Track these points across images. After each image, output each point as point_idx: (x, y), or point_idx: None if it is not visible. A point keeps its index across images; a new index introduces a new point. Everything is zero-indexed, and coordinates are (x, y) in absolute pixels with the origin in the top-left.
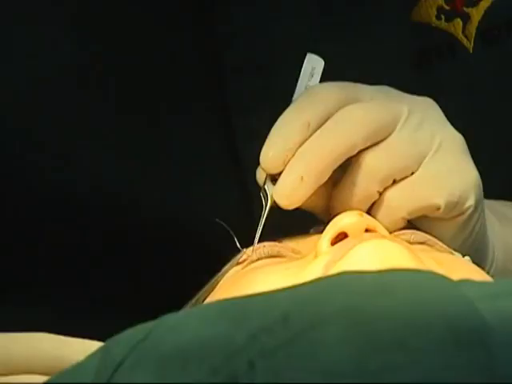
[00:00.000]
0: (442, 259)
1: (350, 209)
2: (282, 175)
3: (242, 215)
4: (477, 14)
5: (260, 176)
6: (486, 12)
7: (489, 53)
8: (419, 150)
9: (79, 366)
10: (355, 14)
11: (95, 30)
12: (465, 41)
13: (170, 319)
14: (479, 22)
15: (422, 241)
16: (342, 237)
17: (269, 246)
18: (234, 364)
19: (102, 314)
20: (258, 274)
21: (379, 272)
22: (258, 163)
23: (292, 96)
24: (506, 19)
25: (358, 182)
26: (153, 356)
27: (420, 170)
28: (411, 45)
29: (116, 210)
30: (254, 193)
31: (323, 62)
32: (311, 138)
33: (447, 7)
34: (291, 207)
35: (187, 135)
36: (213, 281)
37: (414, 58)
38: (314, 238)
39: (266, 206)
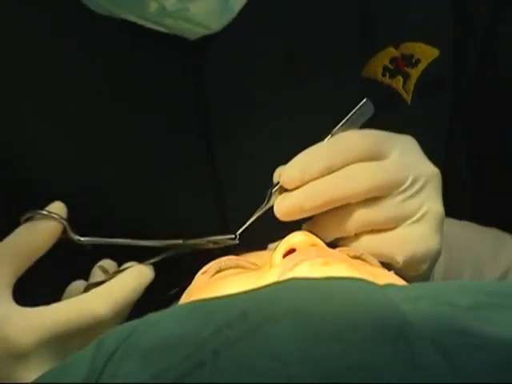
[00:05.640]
0: (373, 271)
1: (325, 237)
2: (290, 197)
3: (219, 230)
4: (415, 73)
5: (275, 179)
6: (422, 72)
7: (424, 105)
8: (405, 215)
9: (77, 356)
10: (316, 69)
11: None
12: (404, 94)
13: (150, 318)
14: (417, 80)
15: (357, 255)
16: (292, 251)
17: (230, 260)
18: (201, 353)
19: None
20: (223, 282)
21: (321, 279)
22: (236, 184)
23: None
24: (438, 78)
25: (345, 223)
26: (137, 348)
27: (398, 229)
28: (361, 95)
29: (107, 221)
30: (231, 210)
31: (372, 111)
32: (323, 179)
33: (391, 66)
34: (282, 220)
35: (174, 160)
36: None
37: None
38: (268, 253)
39: (265, 205)
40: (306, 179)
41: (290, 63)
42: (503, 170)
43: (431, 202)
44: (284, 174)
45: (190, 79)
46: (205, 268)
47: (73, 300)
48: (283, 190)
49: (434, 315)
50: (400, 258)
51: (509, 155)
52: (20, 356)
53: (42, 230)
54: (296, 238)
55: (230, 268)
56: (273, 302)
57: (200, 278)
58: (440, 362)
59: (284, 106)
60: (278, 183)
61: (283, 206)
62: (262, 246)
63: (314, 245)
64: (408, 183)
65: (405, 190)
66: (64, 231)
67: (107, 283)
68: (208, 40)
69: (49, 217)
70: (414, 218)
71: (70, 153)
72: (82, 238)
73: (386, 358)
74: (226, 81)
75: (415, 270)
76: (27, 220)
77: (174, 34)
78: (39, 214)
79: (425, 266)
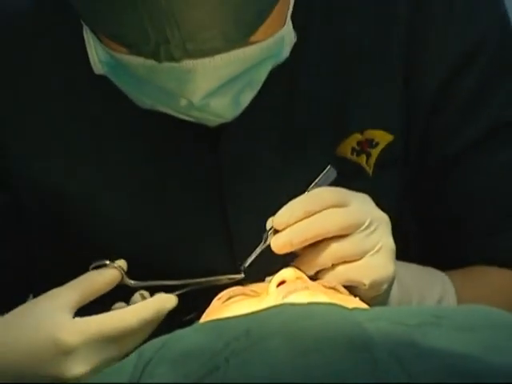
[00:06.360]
0: (343, 297)
1: (309, 270)
2: (281, 236)
3: (226, 267)
4: (375, 152)
5: (268, 224)
6: (380, 151)
7: (382, 176)
8: (367, 249)
9: (123, 362)
10: (304, 148)
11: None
12: (367, 168)
13: (178, 334)
14: (376, 158)
15: (331, 286)
16: (283, 283)
17: (237, 289)
18: (216, 360)
19: None
20: (233, 306)
21: (304, 304)
22: (244, 231)
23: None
24: (393, 157)
25: (323, 258)
26: (168, 356)
27: (362, 260)
28: (335, 169)
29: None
30: (239, 251)
31: (335, 175)
32: (305, 221)
33: (357, 148)
34: (277, 253)
35: (196, 218)
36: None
37: (335, 179)
38: (265, 284)
39: (263, 243)
40: (292, 222)
41: (284, 145)
42: (437, 227)
43: (385, 239)
44: (276, 219)
45: (209, 154)
46: (219, 295)
47: (113, 312)
48: (275, 231)
49: (390, 331)
50: (366, 281)
51: (439, 217)
52: (67, 353)
53: (107, 275)
54: (286, 273)
55: (237, 295)
56: (269, 322)
57: (215, 302)
58: (396, 367)
59: (281, 175)
60: (271, 228)
61: (277, 243)
62: (261, 278)
63: (299, 278)
64: (367, 224)
65: (365, 229)
66: (122, 278)
67: (140, 303)
68: (223, 126)
69: (111, 266)
70: (373, 251)
71: (124, 215)
72: (133, 282)
73: (354, 365)
74: (235, 156)
75: (377, 291)
76: (96, 267)
77: (199, 121)
78: (106, 263)
79: (384, 287)
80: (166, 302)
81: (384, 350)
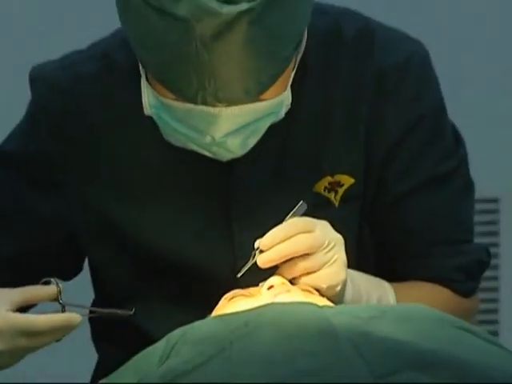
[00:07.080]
0: (314, 297)
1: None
2: (265, 255)
3: (230, 269)
4: (341, 191)
5: (256, 245)
6: (345, 190)
7: (346, 208)
8: (325, 262)
9: (155, 345)
10: (291, 184)
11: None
12: (334, 202)
13: (195, 324)
14: (342, 194)
15: (306, 289)
16: (272, 287)
17: (238, 291)
18: (223, 343)
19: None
20: (234, 304)
21: (287, 303)
22: (244, 242)
23: (286, 215)
24: (354, 195)
25: (294, 270)
26: (189, 340)
27: (321, 270)
28: (310, 203)
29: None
30: (240, 258)
31: (306, 207)
32: (282, 244)
33: (329, 186)
34: (262, 267)
35: (206, 230)
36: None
37: (311, 209)
38: (259, 288)
39: (251, 260)
40: (274, 244)
41: (278, 180)
42: (386, 249)
43: (339, 254)
44: (262, 242)
45: (222, 183)
46: (224, 296)
47: (32, 316)
48: (261, 251)
49: (350, 323)
50: (324, 286)
51: (387, 242)
52: None
53: (47, 290)
54: (274, 280)
55: (239, 296)
56: (262, 315)
57: (222, 301)
58: (353, 352)
59: (275, 202)
60: (258, 247)
61: (262, 260)
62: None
63: (283, 283)
64: (326, 244)
65: (324, 248)
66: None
67: (52, 315)
68: (233, 162)
69: (53, 283)
70: (330, 263)
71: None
72: (61, 301)
73: (322, 348)
74: (242, 185)
75: (333, 292)
76: (44, 282)
77: (215, 157)
78: (50, 280)
79: (338, 289)
80: (73, 319)
81: (344, 337)
